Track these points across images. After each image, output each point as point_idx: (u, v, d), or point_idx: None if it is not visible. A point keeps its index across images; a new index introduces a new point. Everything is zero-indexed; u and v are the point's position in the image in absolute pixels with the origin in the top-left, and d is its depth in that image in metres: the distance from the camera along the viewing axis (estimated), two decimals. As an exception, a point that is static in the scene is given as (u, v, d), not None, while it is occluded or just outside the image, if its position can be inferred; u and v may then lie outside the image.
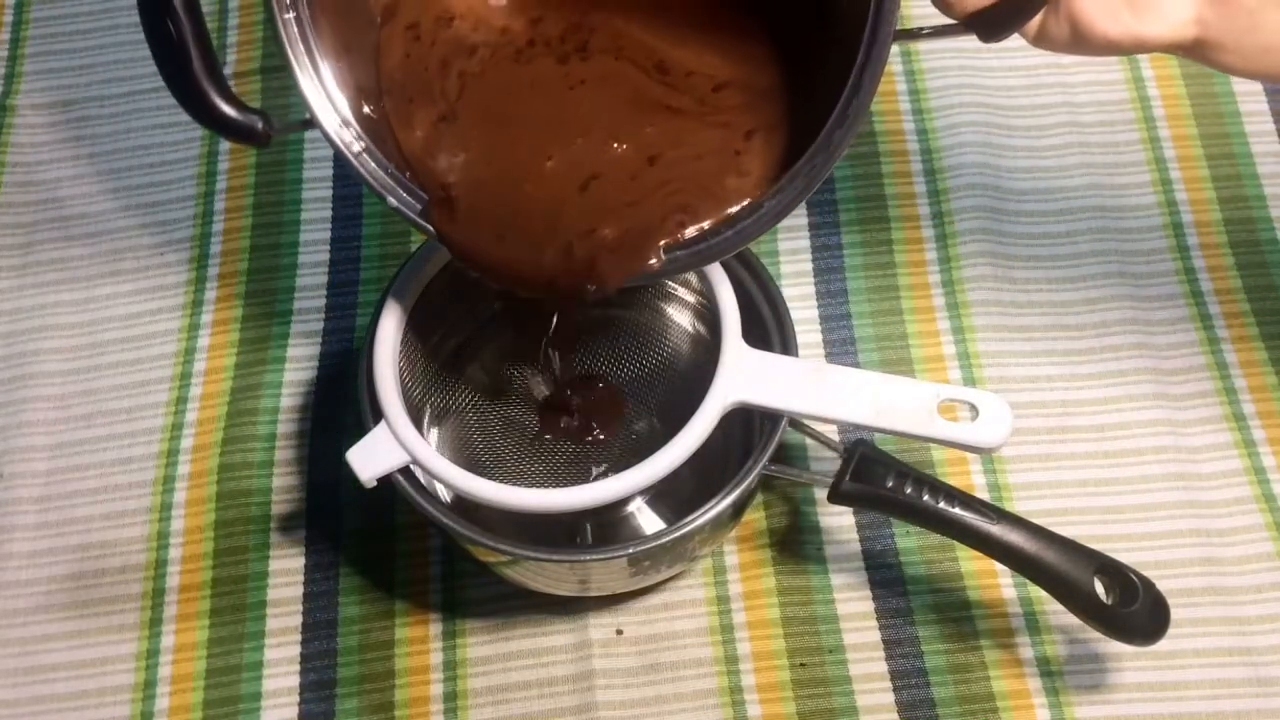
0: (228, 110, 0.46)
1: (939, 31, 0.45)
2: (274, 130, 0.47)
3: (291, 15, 0.47)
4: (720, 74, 0.49)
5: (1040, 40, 0.47)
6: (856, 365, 0.65)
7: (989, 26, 0.43)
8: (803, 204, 0.69)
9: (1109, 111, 0.72)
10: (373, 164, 0.49)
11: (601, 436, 0.60)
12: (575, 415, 0.60)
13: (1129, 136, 0.72)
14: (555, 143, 0.49)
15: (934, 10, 0.45)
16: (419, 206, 0.49)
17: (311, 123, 0.48)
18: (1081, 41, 0.46)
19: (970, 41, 0.46)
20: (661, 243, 0.48)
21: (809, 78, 0.49)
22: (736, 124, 0.49)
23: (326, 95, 0.48)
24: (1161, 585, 0.51)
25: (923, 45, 0.74)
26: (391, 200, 0.49)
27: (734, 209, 0.47)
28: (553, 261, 0.49)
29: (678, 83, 0.50)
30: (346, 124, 0.49)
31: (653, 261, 0.48)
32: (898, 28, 0.42)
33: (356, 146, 0.49)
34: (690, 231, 0.47)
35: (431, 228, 0.49)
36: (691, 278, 0.56)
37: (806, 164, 0.45)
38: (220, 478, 0.63)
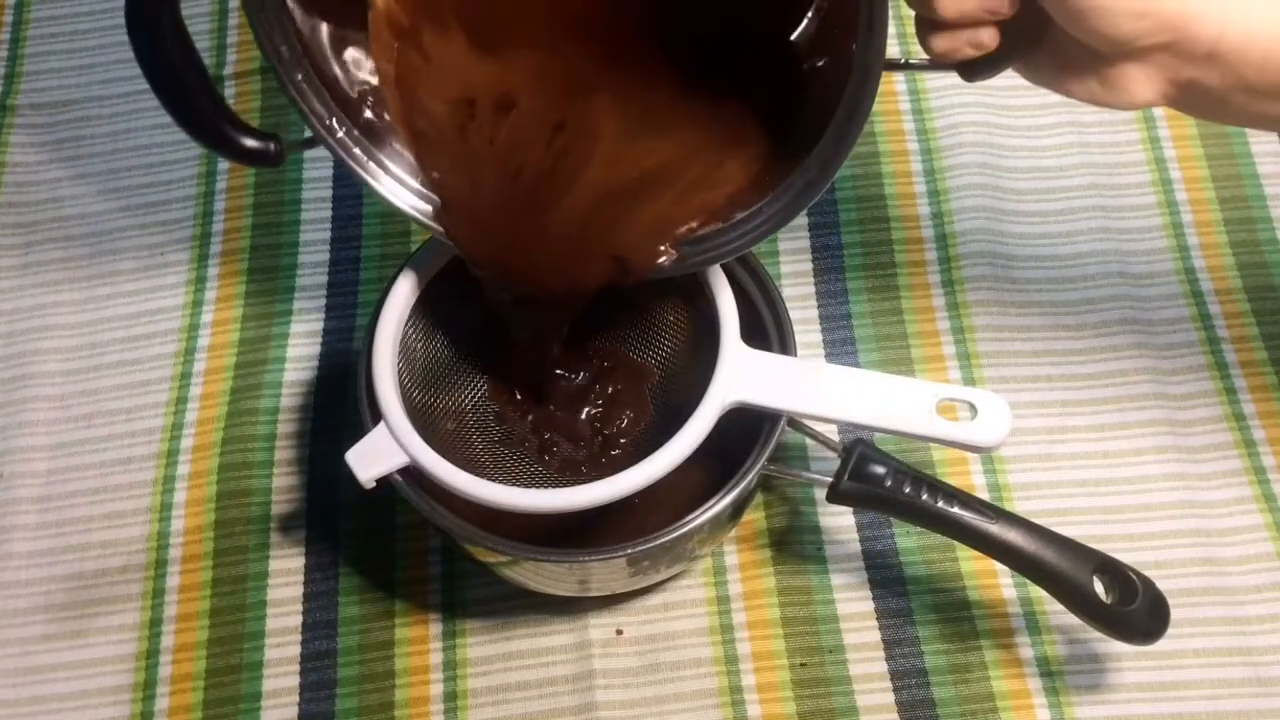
0: (241, 139, 0.48)
1: (924, 65, 0.47)
2: (285, 149, 0.49)
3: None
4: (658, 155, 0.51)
5: (1028, 76, 0.49)
6: (856, 365, 0.65)
7: (970, 71, 0.46)
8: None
9: (1109, 111, 0.72)
10: (384, 176, 0.52)
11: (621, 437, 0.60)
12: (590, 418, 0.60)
13: (1129, 136, 0.71)
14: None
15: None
16: (429, 209, 0.50)
17: (316, 140, 0.50)
18: (1059, 92, 0.48)
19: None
20: (666, 243, 0.50)
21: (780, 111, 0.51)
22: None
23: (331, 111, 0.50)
24: (1161, 585, 0.51)
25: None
26: (396, 203, 0.51)
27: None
28: (558, 259, 0.50)
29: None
30: (355, 140, 0.51)
31: (662, 260, 0.51)
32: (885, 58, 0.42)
33: (367, 163, 0.52)
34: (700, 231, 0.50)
35: (443, 229, 0.50)
36: (690, 278, 0.56)
37: (800, 176, 0.47)
38: (220, 478, 0.63)
